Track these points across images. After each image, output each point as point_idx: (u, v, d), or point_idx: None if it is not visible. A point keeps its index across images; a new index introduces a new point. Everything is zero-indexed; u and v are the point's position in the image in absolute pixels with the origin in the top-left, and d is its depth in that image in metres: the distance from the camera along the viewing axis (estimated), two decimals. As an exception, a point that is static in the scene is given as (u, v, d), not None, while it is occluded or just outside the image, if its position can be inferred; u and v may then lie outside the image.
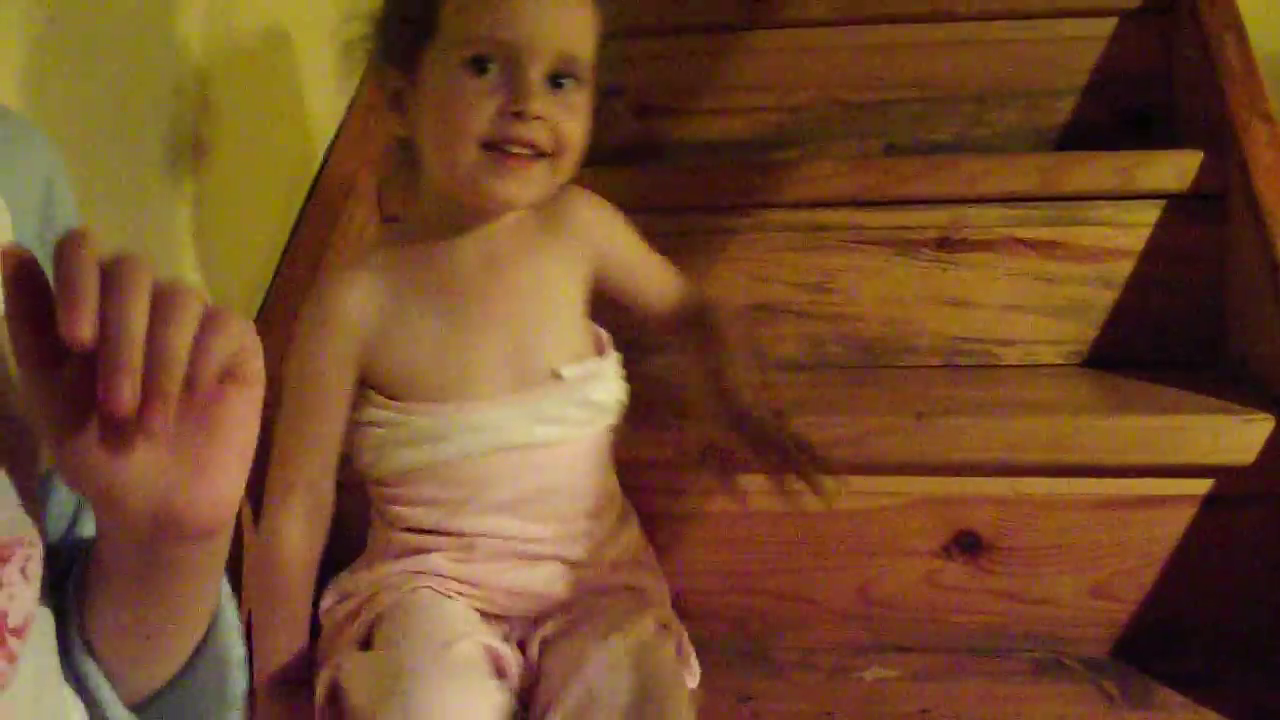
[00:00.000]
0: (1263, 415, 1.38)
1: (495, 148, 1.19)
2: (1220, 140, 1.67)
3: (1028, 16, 2.02)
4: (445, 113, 1.20)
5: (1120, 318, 1.69)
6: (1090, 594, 1.44)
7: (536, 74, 1.18)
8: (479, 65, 1.18)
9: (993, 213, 1.68)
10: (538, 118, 1.18)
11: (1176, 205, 1.66)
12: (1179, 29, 1.95)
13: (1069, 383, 1.62)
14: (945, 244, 1.68)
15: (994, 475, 1.39)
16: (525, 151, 1.19)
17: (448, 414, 1.27)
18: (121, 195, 1.33)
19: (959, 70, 2.01)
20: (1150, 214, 1.66)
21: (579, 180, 1.27)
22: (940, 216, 1.68)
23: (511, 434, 1.26)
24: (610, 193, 1.48)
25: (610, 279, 1.36)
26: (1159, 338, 1.68)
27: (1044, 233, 1.68)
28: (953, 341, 1.71)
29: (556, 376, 1.27)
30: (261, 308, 1.62)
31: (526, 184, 1.21)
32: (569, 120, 1.20)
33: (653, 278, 1.40)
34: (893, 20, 2.05)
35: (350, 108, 1.91)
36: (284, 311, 1.60)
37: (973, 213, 1.67)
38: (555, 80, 1.19)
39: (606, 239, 1.35)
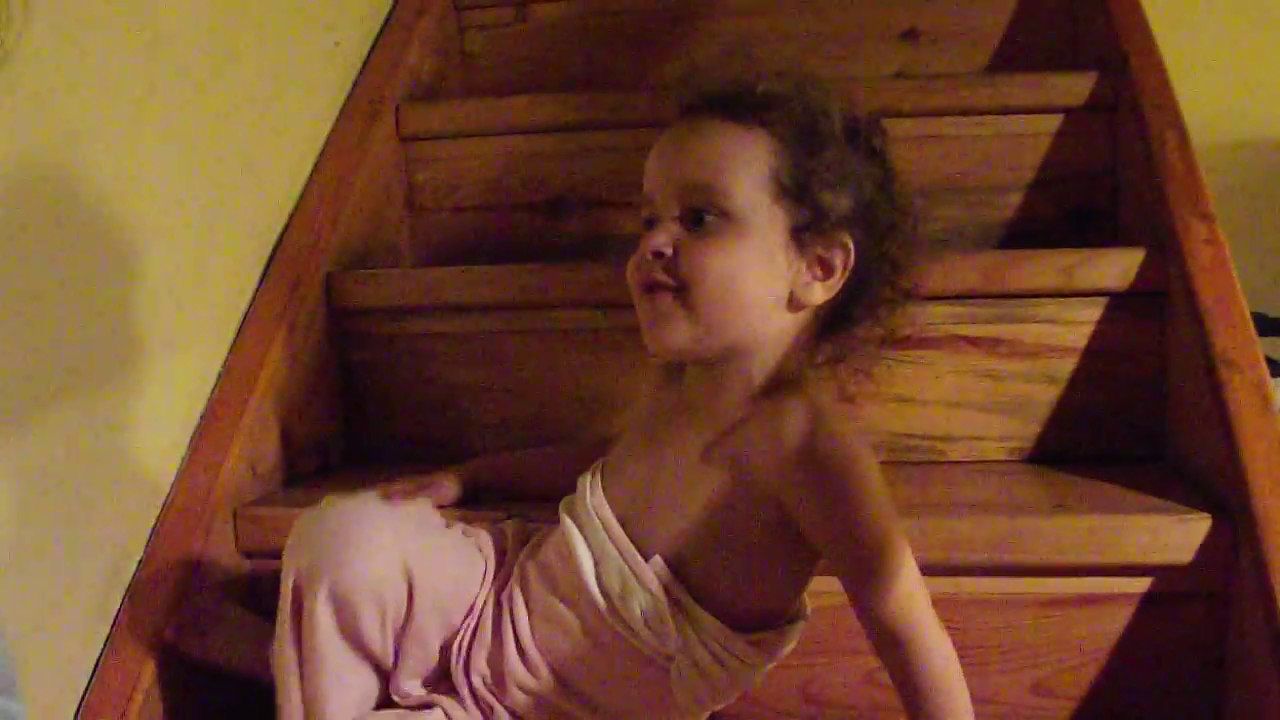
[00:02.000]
0: (1200, 514, 1.39)
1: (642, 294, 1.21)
2: (1161, 238, 1.69)
3: (974, 113, 2.04)
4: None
5: (1063, 414, 1.70)
6: (1031, 692, 1.45)
7: (670, 215, 1.19)
8: (646, 225, 1.22)
9: (937, 310, 1.69)
10: (656, 253, 1.18)
11: (1118, 303, 1.68)
12: (1123, 127, 1.98)
13: (1012, 480, 1.63)
14: (890, 341, 1.69)
15: (938, 575, 1.39)
16: (655, 289, 1.19)
17: (587, 481, 1.31)
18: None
19: (905, 166, 2.00)
20: (1093, 311, 1.68)
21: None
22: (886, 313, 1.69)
23: (576, 546, 1.26)
24: (525, 289, 1.50)
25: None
26: (1101, 434, 1.70)
27: (988, 330, 1.69)
28: (897, 438, 1.72)
29: (645, 553, 1.23)
30: (209, 401, 1.62)
31: (660, 321, 1.19)
32: (698, 253, 1.16)
33: (844, 580, 1.19)
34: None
35: (299, 199, 1.92)
36: (228, 404, 1.60)
37: (918, 310, 1.67)
38: (695, 218, 1.17)
39: (779, 482, 1.17)
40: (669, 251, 1.17)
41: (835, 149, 1.19)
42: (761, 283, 1.18)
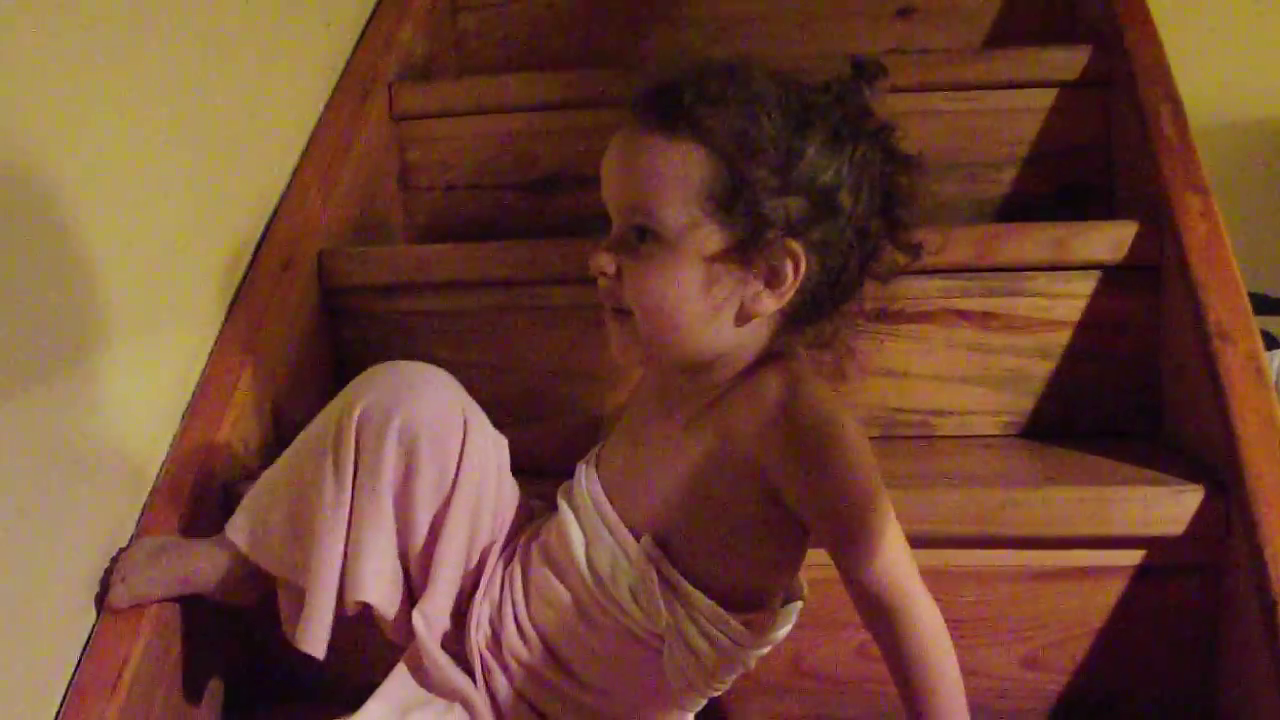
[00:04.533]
0: (1193, 486, 1.39)
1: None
2: (1155, 212, 1.68)
3: (968, 88, 2.03)
4: None
5: (1056, 388, 1.69)
6: (1022, 665, 1.44)
7: (615, 233, 1.17)
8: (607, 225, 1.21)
9: (930, 284, 1.69)
10: (602, 273, 1.18)
11: (1111, 276, 1.67)
12: (1117, 101, 1.97)
13: (1004, 454, 1.62)
14: (882, 315, 1.68)
15: (927, 548, 1.38)
16: (610, 309, 1.20)
17: (583, 468, 1.32)
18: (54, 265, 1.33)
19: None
20: (1086, 285, 1.67)
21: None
22: (877, 287, 1.67)
23: (569, 527, 1.26)
24: (515, 265, 1.51)
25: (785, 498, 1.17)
26: (1095, 408, 1.69)
27: (980, 304, 1.68)
28: (890, 413, 1.71)
29: (634, 534, 1.22)
30: (200, 379, 1.62)
31: (615, 341, 1.21)
32: (635, 277, 1.15)
33: (828, 547, 1.17)
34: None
35: (292, 178, 1.91)
36: (219, 382, 1.60)
37: (909, 284, 1.68)
38: (635, 238, 1.15)
39: (760, 447, 1.15)
40: (611, 271, 1.16)
41: (777, 149, 1.13)
42: (704, 302, 1.15)
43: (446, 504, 1.29)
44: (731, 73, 1.15)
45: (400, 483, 1.27)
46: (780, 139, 1.13)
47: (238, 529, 1.37)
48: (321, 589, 1.28)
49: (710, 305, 1.15)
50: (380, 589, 1.29)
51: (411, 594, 1.32)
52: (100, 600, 1.38)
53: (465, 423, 1.28)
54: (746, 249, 1.13)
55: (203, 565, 1.39)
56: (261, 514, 1.36)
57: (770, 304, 1.16)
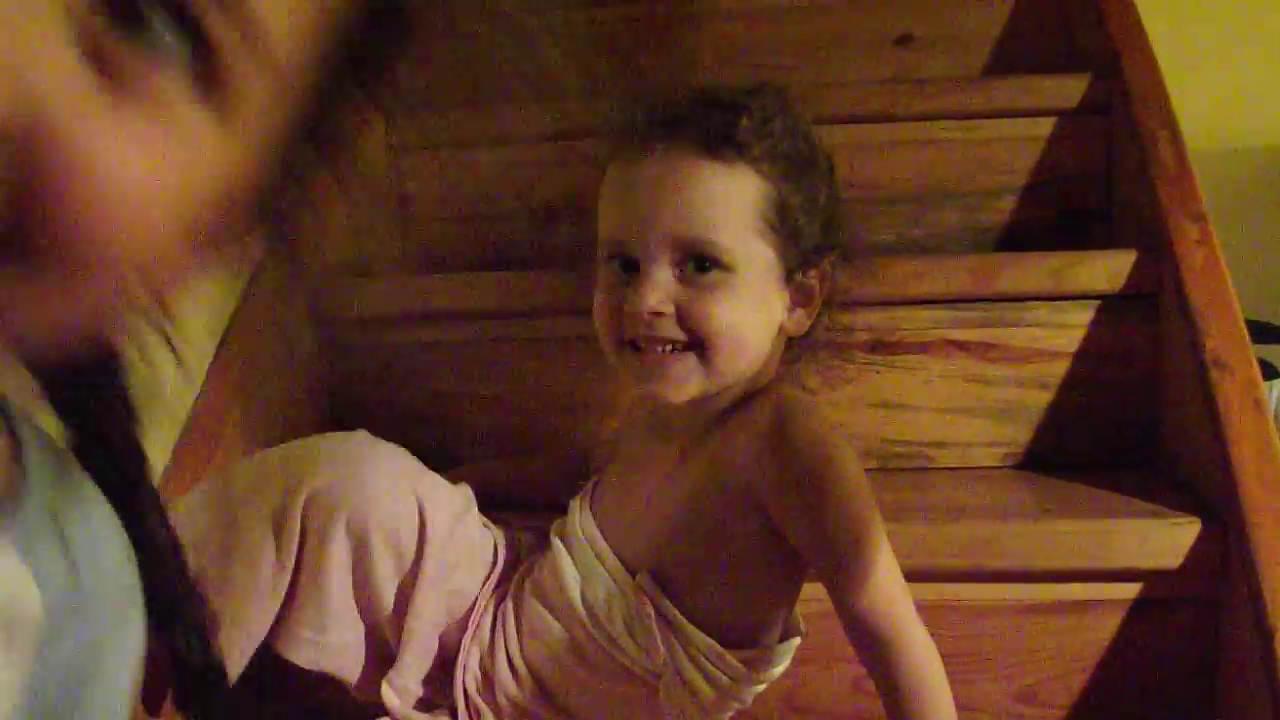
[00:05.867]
0: (1190, 518, 1.38)
1: (635, 346, 1.16)
2: (1153, 240, 1.67)
3: (967, 117, 2.02)
4: (595, 314, 1.21)
5: (1055, 419, 1.68)
6: (1018, 700, 1.43)
7: (659, 267, 1.13)
8: (617, 263, 1.18)
9: (926, 314, 1.68)
10: (656, 314, 1.13)
11: (1110, 305, 1.66)
12: (1116, 129, 1.96)
13: (1001, 486, 1.62)
14: (878, 347, 1.68)
15: (923, 581, 1.37)
16: (662, 348, 1.15)
17: (577, 503, 1.31)
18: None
19: (898, 171, 2.01)
20: (1084, 314, 1.66)
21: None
22: (873, 319, 1.68)
23: (563, 564, 1.25)
24: (514, 296, 1.51)
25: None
26: (1094, 438, 1.68)
27: (977, 334, 1.67)
28: (887, 444, 1.70)
29: (629, 571, 1.21)
30: (189, 415, 1.61)
31: (672, 381, 1.16)
32: (708, 306, 1.12)
33: (822, 576, 1.15)
34: (832, 121, 2.05)
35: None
36: (207, 419, 1.59)
37: (906, 315, 1.67)
38: (698, 267, 1.13)
39: (755, 474, 1.14)
40: (670, 310, 1.13)
41: (809, 173, 1.18)
42: (762, 326, 1.17)
43: (413, 579, 1.27)
44: (763, 98, 1.18)
45: (354, 567, 1.26)
46: (806, 163, 1.17)
47: None
48: (235, 646, 1.25)
49: (767, 329, 1.17)
50: (311, 654, 1.27)
51: (390, 653, 1.31)
52: None
53: (420, 504, 1.26)
54: (791, 271, 1.16)
55: None
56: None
57: (805, 321, 1.20)
